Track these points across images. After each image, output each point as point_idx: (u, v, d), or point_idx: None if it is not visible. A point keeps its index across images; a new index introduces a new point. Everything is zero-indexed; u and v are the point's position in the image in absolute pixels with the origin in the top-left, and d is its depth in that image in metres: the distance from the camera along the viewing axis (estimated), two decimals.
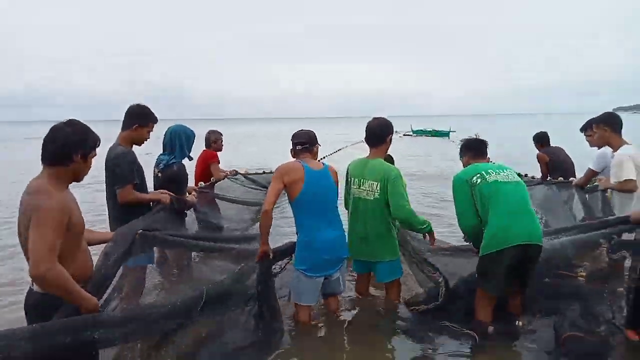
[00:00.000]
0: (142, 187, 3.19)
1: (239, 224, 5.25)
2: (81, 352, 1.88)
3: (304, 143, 3.22)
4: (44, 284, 1.83)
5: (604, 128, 3.82)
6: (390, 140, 3.49)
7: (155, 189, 3.64)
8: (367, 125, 3.48)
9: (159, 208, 3.20)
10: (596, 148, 4.42)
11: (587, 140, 4.59)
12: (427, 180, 11.59)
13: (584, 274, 3.96)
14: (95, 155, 2.15)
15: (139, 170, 3.17)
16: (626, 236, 3.21)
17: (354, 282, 3.84)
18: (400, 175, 3.30)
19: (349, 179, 3.49)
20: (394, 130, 3.58)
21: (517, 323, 3.11)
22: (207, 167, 5.43)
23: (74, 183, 2.09)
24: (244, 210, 5.71)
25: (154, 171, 3.74)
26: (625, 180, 3.51)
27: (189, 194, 4.05)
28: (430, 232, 3.34)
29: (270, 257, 3.02)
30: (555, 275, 3.66)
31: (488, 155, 3.33)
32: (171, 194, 3.35)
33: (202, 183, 5.08)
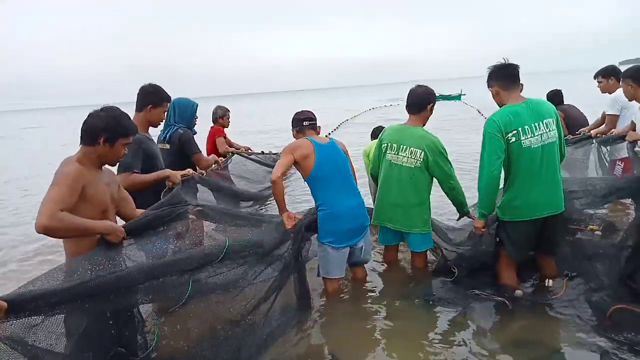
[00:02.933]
0: (153, 170, 3.05)
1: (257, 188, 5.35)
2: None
3: (312, 119, 3.26)
4: (51, 231, 1.87)
5: (631, 83, 3.75)
6: (432, 109, 3.45)
7: (164, 164, 3.52)
8: (411, 92, 3.45)
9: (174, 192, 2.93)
10: (607, 94, 4.58)
11: (598, 87, 4.72)
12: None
13: (595, 227, 3.98)
14: (128, 143, 2.27)
15: (150, 155, 3.04)
16: None
17: (380, 253, 3.86)
18: (445, 149, 3.34)
19: (383, 145, 3.44)
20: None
21: (547, 283, 3.12)
22: (214, 142, 5.46)
23: None
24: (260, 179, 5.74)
25: (159, 148, 3.60)
26: None
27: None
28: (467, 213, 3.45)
29: (295, 220, 2.95)
30: (570, 230, 3.66)
31: (521, 82, 3.00)
32: (186, 172, 3.17)
33: (215, 156, 4.96)
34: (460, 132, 13.01)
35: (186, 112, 3.66)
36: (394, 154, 3.35)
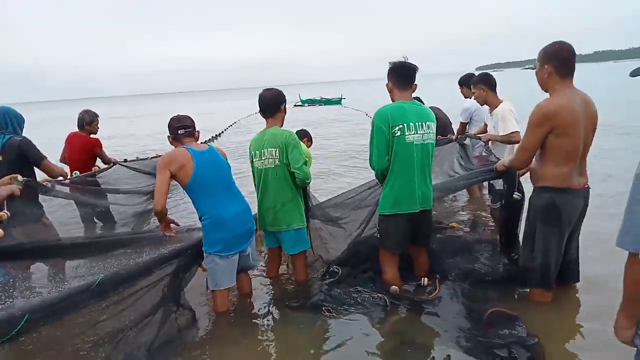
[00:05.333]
0: None
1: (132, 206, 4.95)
2: None
3: (188, 127, 3.12)
4: None
5: (482, 88, 4.19)
6: (285, 108, 3.50)
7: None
8: (260, 98, 3.44)
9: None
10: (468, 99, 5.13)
11: (462, 93, 5.34)
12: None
13: (455, 224, 4.51)
14: None
15: None
16: (499, 186, 3.63)
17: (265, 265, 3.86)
18: (296, 139, 3.34)
19: (251, 155, 3.44)
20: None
21: (422, 282, 3.32)
22: (90, 155, 4.89)
23: None
24: (134, 197, 5.30)
25: None
26: (512, 132, 3.92)
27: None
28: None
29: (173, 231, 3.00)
30: (436, 228, 4.05)
31: (415, 82, 3.13)
32: (24, 179, 2.93)
33: (78, 173, 4.47)
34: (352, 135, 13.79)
35: (20, 123, 3.47)
36: (259, 159, 3.37)
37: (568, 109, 2.63)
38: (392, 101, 3.14)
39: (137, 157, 6.43)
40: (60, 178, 3.75)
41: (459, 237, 4.10)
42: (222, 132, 15.21)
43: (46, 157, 3.50)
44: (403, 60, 3.09)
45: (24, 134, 3.59)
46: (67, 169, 4.41)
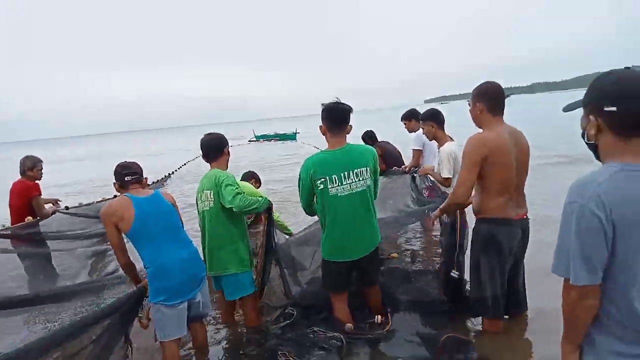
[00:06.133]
0: None
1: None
2: None
3: (135, 173, 2.99)
4: None
5: (430, 124, 4.31)
6: (228, 151, 3.49)
7: None
8: (202, 143, 3.41)
9: None
10: (413, 133, 5.36)
11: (405, 128, 5.58)
12: None
13: (396, 255, 4.64)
14: None
15: None
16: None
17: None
18: (228, 176, 3.26)
19: (196, 198, 3.40)
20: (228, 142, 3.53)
21: (375, 319, 3.27)
22: (27, 201, 4.62)
23: None
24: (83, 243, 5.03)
25: None
26: (445, 178, 4.12)
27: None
28: (269, 208, 3.42)
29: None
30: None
31: (350, 124, 3.05)
32: None
33: (31, 218, 4.35)
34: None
35: None
36: (200, 202, 3.35)
37: (499, 138, 2.78)
38: (327, 142, 3.09)
39: (79, 204, 6.12)
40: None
41: (401, 268, 4.18)
42: (172, 173, 14.29)
43: None
44: (335, 101, 3.03)
45: None
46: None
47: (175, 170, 14.74)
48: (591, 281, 1.31)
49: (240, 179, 5.09)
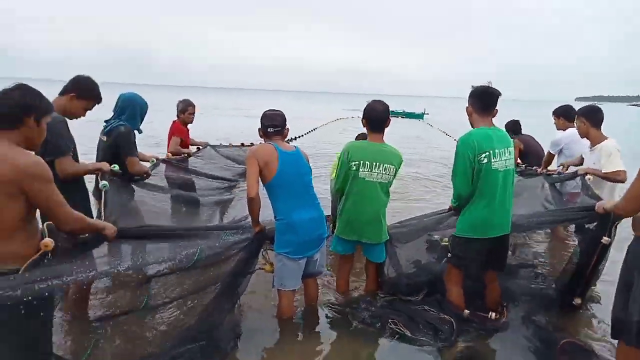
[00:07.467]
0: (75, 159, 2.93)
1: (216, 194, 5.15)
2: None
3: (277, 126, 3.13)
4: None
5: (584, 121, 3.99)
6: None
7: (98, 156, 3.39)
8: (374, 109, 3.38)
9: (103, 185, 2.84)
10: (562, 131, 4.93)
11: (555, 124, 5.09)
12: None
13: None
14: (49, 120, 2.04)
15: (72, 141, 2.90)
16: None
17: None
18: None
19: (351, 162, 3.32)
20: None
21: (489, 316, 3.19)
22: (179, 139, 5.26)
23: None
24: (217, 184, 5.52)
25: (100, 138, 3.52)
26: (619, 170, 3.72)
27: (147, 161, 3.97)
28: None
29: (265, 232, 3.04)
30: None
31: (496, 108, 3.10)
32: (111, 168, 3.07)
33: (171, 155, 4.90)
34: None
35: (141, 111, 3.55)
36: (368, 171, 3.32)
37: None
38: (471, 125, 3.12)
39: (229, 144, 6.42)
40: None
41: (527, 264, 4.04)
42: (309, 132, 14.80)
43: (134, 155, 3.45)
44: (486, 85, 3.05)
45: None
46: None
47: (315, 129, 15.09)
48: None
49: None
